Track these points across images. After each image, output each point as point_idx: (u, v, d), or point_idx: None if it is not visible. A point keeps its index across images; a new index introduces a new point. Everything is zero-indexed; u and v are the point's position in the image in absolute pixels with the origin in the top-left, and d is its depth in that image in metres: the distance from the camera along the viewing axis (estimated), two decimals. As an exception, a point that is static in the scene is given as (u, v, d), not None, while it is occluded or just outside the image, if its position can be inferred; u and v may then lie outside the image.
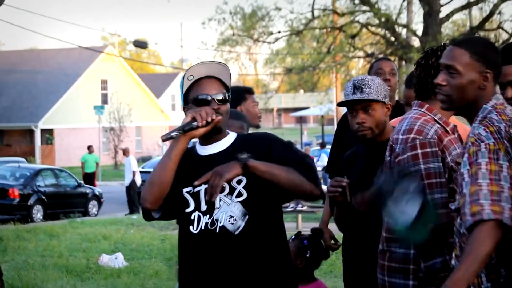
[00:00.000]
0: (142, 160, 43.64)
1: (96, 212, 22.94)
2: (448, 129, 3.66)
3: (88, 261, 11.90)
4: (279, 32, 27.85)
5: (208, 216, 3.38)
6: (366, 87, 4.05)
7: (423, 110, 3.66)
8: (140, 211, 19.02)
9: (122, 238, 14.98)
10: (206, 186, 3.35)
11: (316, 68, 27.61)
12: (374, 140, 4.03)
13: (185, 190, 3.45)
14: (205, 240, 3.37)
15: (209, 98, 3.41)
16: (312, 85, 33.50)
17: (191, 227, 3.40)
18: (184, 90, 3.47)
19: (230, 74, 3.51)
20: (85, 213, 22.45)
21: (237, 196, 3.38)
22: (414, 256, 3.55)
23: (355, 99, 4.04)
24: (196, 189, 3.42)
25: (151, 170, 28.70)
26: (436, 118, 3.62)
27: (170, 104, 60.18)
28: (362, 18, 26.93)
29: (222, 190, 3.33)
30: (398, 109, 4.81)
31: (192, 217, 3.41)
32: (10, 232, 15.78)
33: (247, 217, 3.36)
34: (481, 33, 26.14)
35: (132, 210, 22.25)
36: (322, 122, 49.32)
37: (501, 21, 26.10)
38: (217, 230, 3.35)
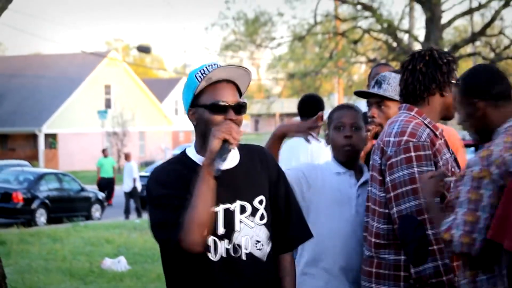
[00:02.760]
0: (146, 164, 43.59)
1: (99, 216, 22.96)
2: (437, 133, 3.60)
3: (91, 265, 11.91)
4: (281, 37, 27.85)
5: (227, 241, 2.98)
6: (385, 83, 4.07)
7: (412, 113, 3.59)
8: (141, 216, 18.83)
9: (125, 242, 14.98)
10: (225, 206, 2.98)
11: (318, 73, 27.60)
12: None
13: None
14: (229, 269, 2.97)
15: (227, 105, 2.97)
16: (315, 90, 33.46)
17: (209, 254, 2.96)
18: (197, 91, 3.00)
19: (250, 80, 3.09)
20: (88, 217, 22.48)
21: (261, 218, 3.04)
22: (405, 262, 3.47)
23: (369, 92, 4.09)
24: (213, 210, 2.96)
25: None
26: (425, 122, 3.57)
27: (173, 108, 60.22)
28: (364, 23, 26.94)
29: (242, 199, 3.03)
30: None
31: (208, 243, 2.95)
32: (13, 236, 15.80)
33: (271, 242, 3.07)
34: (483, 39, 26.17)
35: (128, 216, 22.18)
36: (324, 127, 49.20)
37: (502, 27, 26.10)
38: (244, 257, 2.99)
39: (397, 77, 4.02)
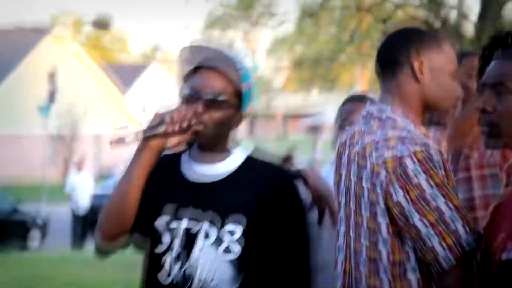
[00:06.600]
0: (101, 178, 43.57)
1: (38, 245, 22.91)
2: None
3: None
4: (286, 13, 27.99)
5: (179, 265, 3.16)
6: None
7: None
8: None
9: (73, 281, 14.94)
10: (188, 222, 3.17)
11: (334, 61, 27.70)
12: None
13: (158, 221, 3.22)
14: None
15: (196, 95, 3.15)
16: (330, 83, 33.58)
17: (159, 275, 3.19)
18: (184, 78, 3.22)
19: (239, 71, 3.21)
20: (24, 246, 22.42)
21: (225, 251, 3.14)
22: None
23: None
24: (174, 225, 3.18)
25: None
26: None
27: (139, 104, 60.24)
28: (397, -4, 27.06)
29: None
30: None
31: (162, 262, 3.19)
32: None
33: (240, 281, 3.14)
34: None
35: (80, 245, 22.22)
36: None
37: None
38: None
39: None
